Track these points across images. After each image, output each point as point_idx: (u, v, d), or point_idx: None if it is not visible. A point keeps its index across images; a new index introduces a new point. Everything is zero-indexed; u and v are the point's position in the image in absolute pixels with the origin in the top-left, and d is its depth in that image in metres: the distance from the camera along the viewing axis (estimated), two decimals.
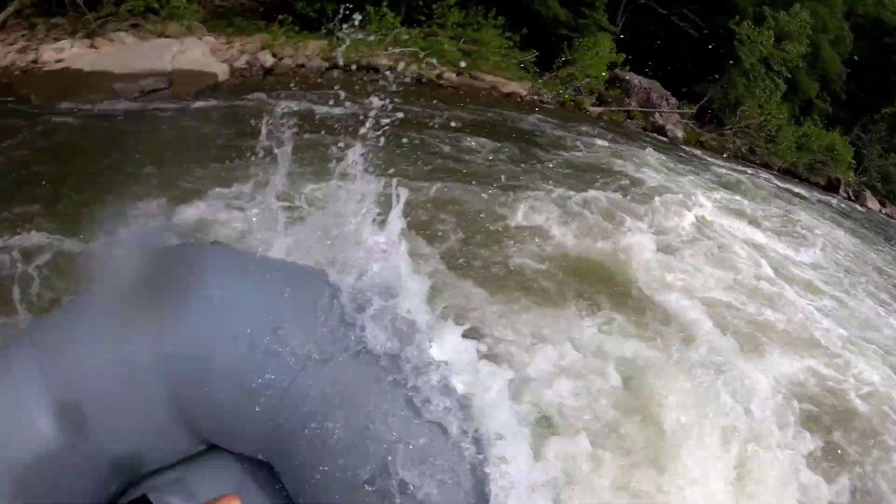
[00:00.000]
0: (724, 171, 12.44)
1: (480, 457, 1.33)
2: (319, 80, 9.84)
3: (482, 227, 5.36)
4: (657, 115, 14.14)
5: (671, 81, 16.63)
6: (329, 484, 1.31)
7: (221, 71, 7.75)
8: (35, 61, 7.39)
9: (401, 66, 11.19)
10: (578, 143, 9.83)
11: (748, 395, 3.64)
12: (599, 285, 4.85)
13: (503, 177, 6.79)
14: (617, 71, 14.77)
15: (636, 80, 14.51)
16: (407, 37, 11.60)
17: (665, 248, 5.93)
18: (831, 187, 21.65)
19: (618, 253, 5.49)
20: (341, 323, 1.40)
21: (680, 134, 13.96)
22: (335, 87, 9.18)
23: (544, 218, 5.89)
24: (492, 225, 5.52)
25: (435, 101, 9.54)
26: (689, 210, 7.75)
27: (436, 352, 1.51)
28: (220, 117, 6.78)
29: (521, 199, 6.05)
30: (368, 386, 1.35)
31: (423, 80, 10.99)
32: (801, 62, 21.88)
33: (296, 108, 7.49)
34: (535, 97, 12.42)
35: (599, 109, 13.35)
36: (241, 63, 9.34)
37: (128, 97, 6.84)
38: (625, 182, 8.19)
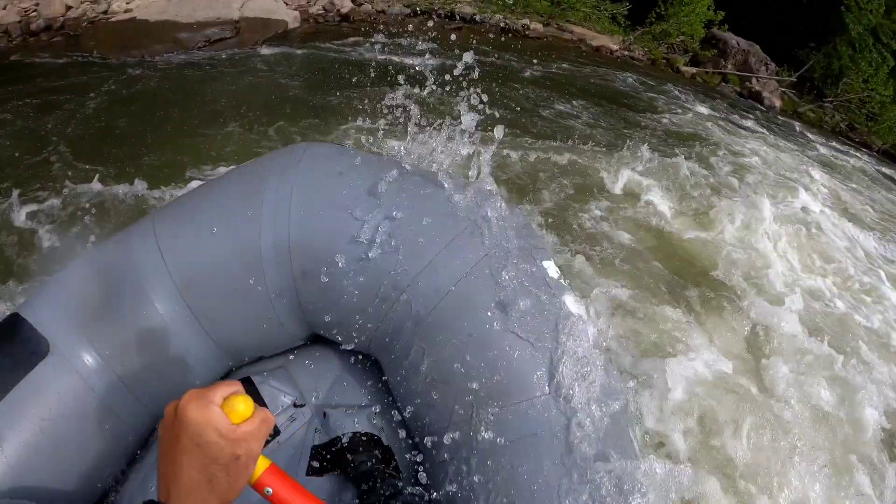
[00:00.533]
0: (824, 149, 11.47)
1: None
2: (399, 27, 9.42)
3: (576, 192, 5.04)
4: (754, 80, 13.07)
5: (771, 45, 15.32)
6: (429, 389, 1.30)
7: (291, 18, 7.44)
8: (105, 11, 7.29)
9: (485, 14, 10.63)
10: (673, 106, 9.15)
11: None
12: (694, 281, 4.50)
13: (596, 140, 6.37)
14: (714, 30, 13.64)
15: (734, 41, 13.38)
16: None
17: (764, 238, 5.44)
18: None
19: (714, 239, 5.13)
20: (469, 230, 1.34)
21: (777, 103, 12.90)
22: (417, 35, 8.78)
23: (639, 187, 5.50)
24: (586, 190, 5.19)
25: (521, 53, 9.00)
26: (791, 194, 7.19)
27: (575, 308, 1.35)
28: (292, 68, 6.49)
29: (615, 166, 5.65)
30: (494, 308, 1.28)
31: (509, 29, 10.38)
32: None
33: (376, 58, 7.14)
34: (626, 53, 11.60)
35: (693, 70, 12.40)
36: (316, 9, 8.99)
37: (193, 47, 6.63)
38: (723, 153, 7.60)
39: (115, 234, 1.43)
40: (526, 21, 10.76)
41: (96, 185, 3.64)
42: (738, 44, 13.45)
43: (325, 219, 1.33)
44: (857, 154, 13.51)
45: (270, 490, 0.81)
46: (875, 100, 17.91)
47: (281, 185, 1.35)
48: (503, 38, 10.09)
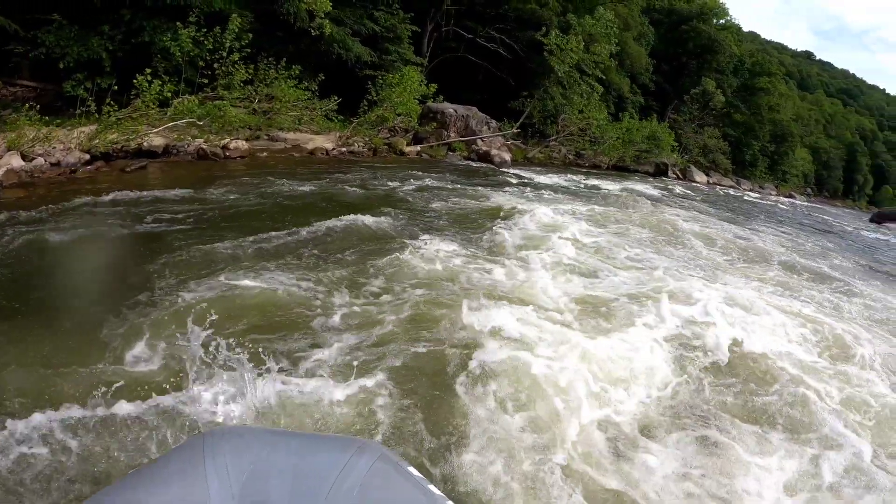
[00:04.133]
0: (560, 181, 12.19)
1: None
2: (70, 181, 8.02)
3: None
4: (479, 141, 13.68)
5: (491, 104, 16.45)
6: None
7: None
8: None
9: (182, 141, 9.72)
10: (402, 193, 8.84)
11: None
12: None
13: (299, 272, 5.52)
14: (430, 104, 14.17)
15: (451, 109, 13.99)
16: (181, 106, 10.10)
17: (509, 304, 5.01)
18: (660, 172, 23.05)
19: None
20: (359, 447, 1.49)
21: (507, 156, 13.59)
22: (87, 188, 7.46)
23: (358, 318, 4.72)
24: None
25: (218, 179, 8.12)
26: (542, 244, 7.14)
27: None
28: None
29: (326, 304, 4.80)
30: None
31: (208, 154, 9.53)
32: (611, 62, 23.13)
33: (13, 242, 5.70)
34: (344, 148, 11.32)
35: (417, 148, 12.57)
36: None
37: None
38: (464, 226, 7.34)
39: None
40: (226, 141, 10.02)
41: None
42: (456, 111, 14.10)
43: (255, 492, 1.44)
44: (591, 178, 14.65)
45: None
46: (594, 126, 20.19)
47: (218, 470, 1.46)
48: (199, 167, 9.19)
